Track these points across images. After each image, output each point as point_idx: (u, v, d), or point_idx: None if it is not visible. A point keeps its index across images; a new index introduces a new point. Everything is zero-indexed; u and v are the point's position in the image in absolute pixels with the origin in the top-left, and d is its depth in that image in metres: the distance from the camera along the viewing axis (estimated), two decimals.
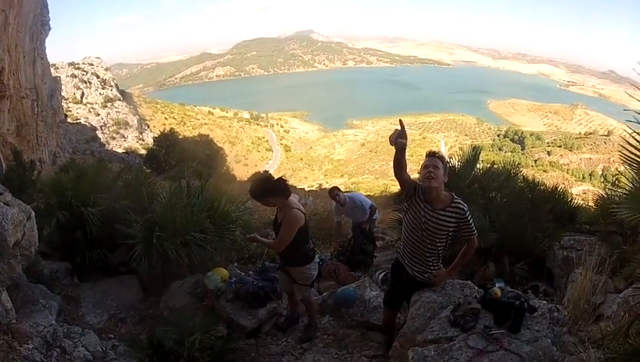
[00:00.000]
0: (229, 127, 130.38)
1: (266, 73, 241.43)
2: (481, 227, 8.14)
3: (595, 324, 4.85)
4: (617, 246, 7.47)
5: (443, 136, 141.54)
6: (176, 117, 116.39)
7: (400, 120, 4.51)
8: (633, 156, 3.03)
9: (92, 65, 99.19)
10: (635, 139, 2.95)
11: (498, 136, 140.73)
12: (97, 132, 73.55)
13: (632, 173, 4.16)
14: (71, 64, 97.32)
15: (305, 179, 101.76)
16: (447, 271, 5.01)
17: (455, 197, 4.62)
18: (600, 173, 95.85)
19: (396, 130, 4.32)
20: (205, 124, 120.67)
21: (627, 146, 3.03)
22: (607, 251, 7.50)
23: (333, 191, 9.77)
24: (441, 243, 4.71)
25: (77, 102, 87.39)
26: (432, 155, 4.67)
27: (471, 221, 4.63)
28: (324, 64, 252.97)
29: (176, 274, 6.93)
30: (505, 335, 4.06)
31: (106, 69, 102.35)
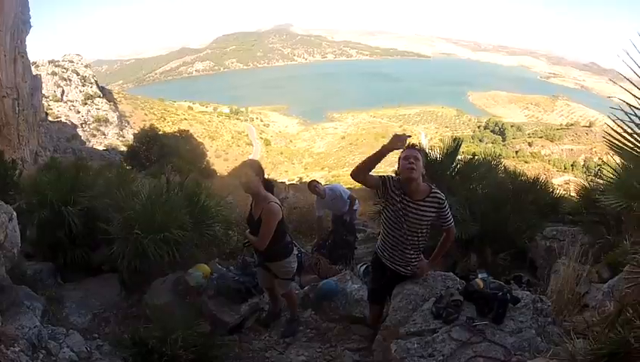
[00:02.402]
0: (209, 121, 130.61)
1: (245, 67, 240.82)
2: (463, 218, 8.22)
3: (580, 314, 4.86)
4: (601, 236, 7.50)
5: (423, 128, 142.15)
6: (156, 113, 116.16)
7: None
8: (619, 143, 3.06)
9: (72, 62, 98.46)
10: (620, 127, 2.97)
11: (479, 127, 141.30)
12: (78, 130, 73.34)
13: (620, 160, 4.20)
14: (51, 62, 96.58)
15: (285, 173, 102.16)
16: (428, 262, 5.03)
17: (433, 187, 4.64)
18: (582, 163, 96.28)
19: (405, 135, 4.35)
20: (185, 119, 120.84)
21: (612, 133, 3.05)
22: (590, 241, 7.55)
23: (313, 184, 9.76)
24: (422, 234, 4.72)
25: (57, 100, 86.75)
26: (412, 147, 4.63)
27: (448, 210, 4.65)
28: (304, 57, 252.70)
29: (157, 271, 6.90)
30: (488, 327, 4.07)
31: (86, 66, 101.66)
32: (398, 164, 4.67)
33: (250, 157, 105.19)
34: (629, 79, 3.02)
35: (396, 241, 4.79)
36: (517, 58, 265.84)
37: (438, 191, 4.63)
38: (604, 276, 6.17)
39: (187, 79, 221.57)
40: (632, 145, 2.92)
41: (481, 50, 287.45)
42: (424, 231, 4.71)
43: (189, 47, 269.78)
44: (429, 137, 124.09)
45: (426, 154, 8.43)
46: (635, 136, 2.90)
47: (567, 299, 5.27)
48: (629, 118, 2.87)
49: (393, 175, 4.83)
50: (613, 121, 3.13)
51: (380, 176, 4.73)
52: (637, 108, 2.81)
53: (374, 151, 4.51)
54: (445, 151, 9.26)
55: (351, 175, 4.72)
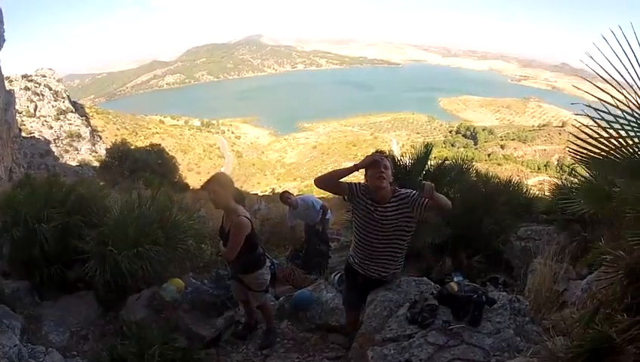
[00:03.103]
0: (181, 135, 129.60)
1: (215, 79, 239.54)
2: (435, 223, 8.23)
3: (559, 312, 4.90)
4: (577, 234, 7.57)
5: (395, 135, 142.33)
6: (128, 127, 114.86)
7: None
8: (583, 151, 3.08)
9: (45, 76, 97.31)
10: (585, 133, 3.00)
11: (450, 132, 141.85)
12: (51, 145, 72.47)
13: (583, 168, 4.25)
14: (24, 76, 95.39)
15: (258, 185, 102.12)
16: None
17: (396, 188, 4.64)
18: (556, 163, 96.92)
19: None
20: (157, 133, 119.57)
21: (576, 141, 3.08)
22: (566, 239, 7.63)
23: (285, 195, 9.79)
24: (399, 238, 4.70)
25: (31, 116, 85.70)
26: (382, 154, 4.68)
27: (421, 198, 4.43)
28: (274, 68, 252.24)
29: (132, 287, 6.90)
30: (465, 329, 4.09)
31: (59, 81, 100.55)
32: (366, 171, 4.67)
33: (223, 169, 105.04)
34: (589, 81, 3.07)
35: (368, 247, 4.78)
36: (488, 62, 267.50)
37: (400, 190, 4.64)
38: (582, 273, 6.23)
39: (158, 92, 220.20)
40: (597, 151, 2.95)
41: (452, 55, 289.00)
42: (399, 234, 4.66)
43: (160, 60, 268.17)
44: (400, 144, 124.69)
45: (395, 161, 8.54)
46: (600, 140, 2.93)
47: (545, 298, 5.31)
48: (594, 121, 2.90)
49: (360, 182, 4.83)
50: (577, 128, 3.16)
51: (345, 183, 4.74)
52: (600, 111, 2.84)
53: (345, 167, 4.64)
54: (416, 157, 9.26)
55: (315, 182, 4.78)
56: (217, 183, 5.37)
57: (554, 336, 3.54)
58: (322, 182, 4.69)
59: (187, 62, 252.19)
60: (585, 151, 3.04)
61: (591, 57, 2.69)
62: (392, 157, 8.60)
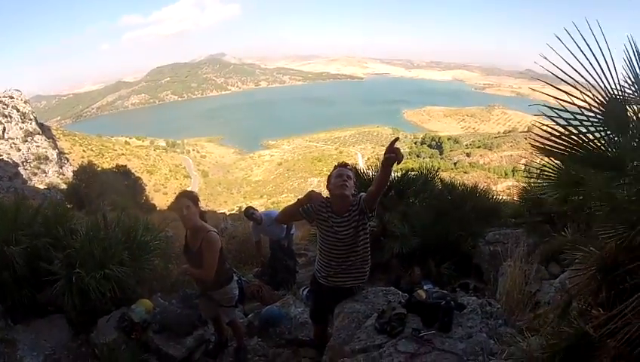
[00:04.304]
0: (146, 156, 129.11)
1: (180, 99, 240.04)
2: (402, 233, 8.31)
3: (533, 312, 4.94)
4: (546, 235, 7.68)
5: (360, 149, 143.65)
6: (94, 149, 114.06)
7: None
8: (546, 145, 3.11)
9: (12, 98, 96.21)
10: (545, 130, 3.03)
11: (415, 143, 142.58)
12: (20, 168, 71.63)
13: (554, 162, 4.30)
14: None
15: (225, 203, 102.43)
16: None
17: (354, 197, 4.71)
18: (523, 167, 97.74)
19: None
20: (123, 154, 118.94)
21: (537, 138, 3.11)
22: (535, 240, 7.74)
23: (249, 211, 9.81)
24: (360, 245, 4.82)
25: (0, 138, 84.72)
26: (344, 166, 4.83)
27: (362, 196, 4.67)
28: (237, 86, 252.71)
29: (101, 309, 6.81)
30: (436, 336, 4.09)
31: (26, 102, 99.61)
32: (328, 182, 4.80)
33: (189, 189, 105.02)
34: (544, 81, 3.12)
35: (331, 259, 4.88)
36: (451, 72, 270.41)
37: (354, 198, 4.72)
38: (555, 272, 6.29)
39: (124, 113, 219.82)
40: (560, 146, 2.98)
41: (415, 67, 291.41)
42: (360, 242, 4.79)
43: (125, 81, 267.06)
44: (365, 157, 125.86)
45: (359, 174, 8.63)
46: (562, 137, 2.97)
47: (518, 299, 5.32)
48: (553, 120, 2.93)
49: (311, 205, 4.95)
50: (536, 125, 3.19)
51: (302, 209, 4.96)
52: (558, 109, 2.87)
53: (293, 203, 5.09)
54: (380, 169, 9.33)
55: (277, 220, 5.53)
56: (189, 198, 5.36)
57: (528, 337, 3.57)
58: (281, 219, 5.36)
59: (152, 82, 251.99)
60: (548, 148, 3.06)
61: (545, 58, 2.72)
62: (356, 170, 8.83)
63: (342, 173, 4.69)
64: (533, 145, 3.17)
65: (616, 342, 2.63)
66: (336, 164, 5.01)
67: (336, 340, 4.69)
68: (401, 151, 4.20)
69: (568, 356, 2.91)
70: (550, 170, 4.46)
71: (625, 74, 2.88)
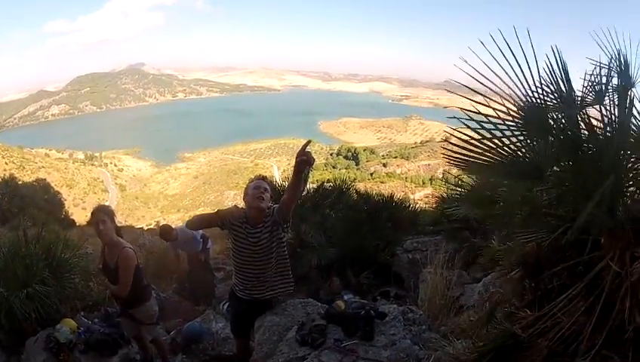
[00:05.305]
0: (65, 169, 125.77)
1: (98, 110, 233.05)
2: (319, 244, 8.36)
3: (458, 316, 5.01)
4: (466, 240, 7.84)
5: (275, 161, 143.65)
6: (15, 161, 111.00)
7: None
8: (456, 156, 3.13)
9: None
10: (460, 138, 3.05)
11: (331, 155, 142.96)
12: None
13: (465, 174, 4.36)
14: None
15: (142, 218, 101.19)
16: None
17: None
18: (440, 176, 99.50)
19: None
20: (43, 167, 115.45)
21: (449, 146, 3.12)
22: (455, 246, 7.86)
23: (163, 232, 9.68)
24: (277, 256, 4.82)
25: None
26: (261, 178, 4.91)
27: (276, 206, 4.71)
28: (155, 97, 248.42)
29: (29, 330, 6.60)
30: (359, 345, 4.11)
31: None
32: (245, 193, 4.82)
33: (107, 204, 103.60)
34: (453, 92, 3.16)
35: (248, 272, 4.87)
36: (368, 84, 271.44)
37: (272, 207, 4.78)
38: (477, 276, 6.40)
39: (44, 124, 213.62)
40: (476, 155, 3.00)
41: (332, 79, 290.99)
42: (276, 252, 4.80)
43: (47, 90, 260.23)
44: (281, 170, 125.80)
45: (274, 187, 8.66)
46: (473, 147, 2.99)
47: (440, 304, 5.43)
48: (470, 128, 2.96)
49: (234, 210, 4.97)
50: (450, 133, 3.21)
51: (217, 214, 4.92)
52: (475, 120, 2.91)
53: (209, 213, 5.08)
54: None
55: (187, 225, 5.27)
56: (105, 213, 5.32)
57: (454, 341, 3.60)
58: (194, 224, 5.07)
59: (72, 92, 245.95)
60: (460, 156, 3.09)
61: (461, 69, 2.75)
62: (271, 183, 8.78)
63: (259, 186, 4.72)
64: (447, 158, 3.19)
65: (548, 341, 2.67)
66: (252, 176, 5.07)
67: (259, 354, 4.70)
68: (312, 154, 4.15)
69: (496, 357, 2.95)
70: (465, 188, 4.49)
71: (547, 80, 2.93)
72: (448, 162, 3.23)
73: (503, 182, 3.28)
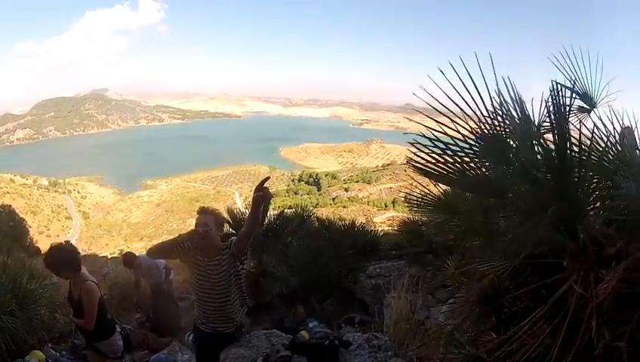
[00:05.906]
0: (30, 195, 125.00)
1: (62, 135, 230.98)
2: (281, 273, 8.41)
3: (424, 340, 4.99)
4: (429, 264, 7.82)
5: (237, 188, 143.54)
6: None
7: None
8: (426, 167, 3.15)
9: None
10: (419, 149, 3.06)
11: (292, 181, 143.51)
12: None
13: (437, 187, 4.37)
14: None
15: (106, 246, 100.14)
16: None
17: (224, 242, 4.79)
18: (403, 198, 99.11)
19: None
20: (8, 192, 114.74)
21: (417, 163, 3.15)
22: (418, 271, 7.87)
23: (128, 257, 9.74)
24: (235, 286, 4.82)
25: None
26: (203, 212, 4.86)
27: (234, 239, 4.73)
28: (118, 124, 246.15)
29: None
30: None
31: None
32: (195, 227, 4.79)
33: (71, 232, 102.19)
34: (412, 120, 3.18)
35: (208, 303, 4.85)
36: (329, 109, 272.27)
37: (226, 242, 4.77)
38: (443, 298, 6.40)
39: (9, 148, 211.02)
40: (439, 170, 3.02)
41: (293, 105, 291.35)
42: (233, 284, 4.78)
43: (12, 113, 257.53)
44: (243, 197, 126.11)
45: (233, 215, 8.64)
46: (435, 162, 3.00)
47: (406, 329, 5.43)
48: (428, 148, 2.98)
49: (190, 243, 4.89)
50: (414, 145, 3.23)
51: (180, 246, 4.81)
52: (435, 139, 2.93)
53: (170, 239, 4.99)
54: None
55: (148, 254, 5.09)
56: (57, 264, 5.35)
57: None
58: (154, 252, 4.90)
59: (37, 116, 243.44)
60: (428, 169, 3.11)
61: (425, 90, 2.77)
62: (232, 211, 9.22)
63: (200, 222, 4.71)
64: (412, 165, 3.19)
65: None
66: (197, 209, 5.03)
67: None
68: (270, 190, 4.32)
69: None
70: (430, 197, 4.51)
71: (503, 106, 2.95)
72: (413, 167, 3.23)
73: (465, 194, 3.30)
